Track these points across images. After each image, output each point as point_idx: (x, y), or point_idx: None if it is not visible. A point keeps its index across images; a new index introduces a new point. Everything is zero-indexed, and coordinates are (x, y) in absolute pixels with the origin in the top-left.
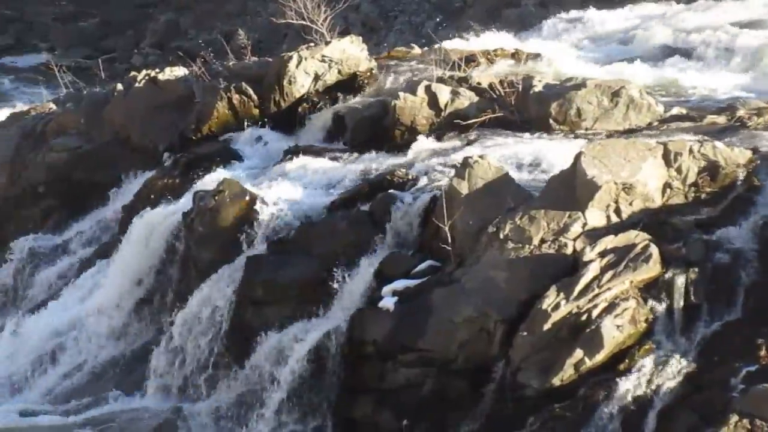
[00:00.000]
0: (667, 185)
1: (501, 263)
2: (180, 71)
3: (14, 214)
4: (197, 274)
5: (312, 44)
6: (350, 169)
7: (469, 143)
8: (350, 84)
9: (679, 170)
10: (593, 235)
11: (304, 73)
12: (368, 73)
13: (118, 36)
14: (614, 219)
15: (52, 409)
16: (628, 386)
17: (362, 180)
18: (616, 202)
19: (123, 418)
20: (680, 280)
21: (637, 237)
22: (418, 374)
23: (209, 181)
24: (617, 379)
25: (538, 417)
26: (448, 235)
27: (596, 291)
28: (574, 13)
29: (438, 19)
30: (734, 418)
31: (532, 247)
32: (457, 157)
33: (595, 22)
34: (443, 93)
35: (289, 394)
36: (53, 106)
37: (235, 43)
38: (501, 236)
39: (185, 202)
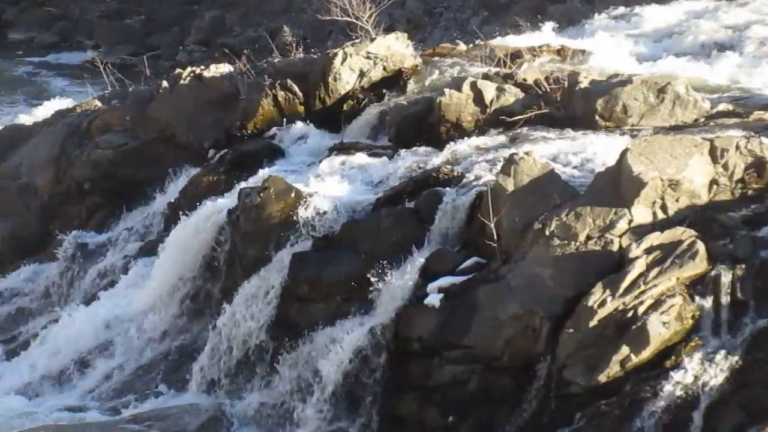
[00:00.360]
0: (713, 181)
1: (547, 260)
2: (225, 68)
3: (60, 212)
4: (242, 270)
5: (357, 41)
6: (395, 165)
7: (515, 140)
8: (395, 81)
9: (725, 166)
10: (639, 232)
11: (349, 70)
12: (413, 70)
13: (163, 33)
14: (660, 215)
15: (98, 406)
16: (674, 383)
17: (407, 177)
18: (663, 198)
19: (168, 414)
20: (727, 277)
21: (683, 234)
22: (463, 371)
23: (254, 178)
24: (663, 376)
25: (584, 414)
26: (494, 231)
27: (642, 288)
28: (619, 10)
29: (483, 16)
30: None
31: (577, 243)
32: (503, 154)
33: (641, 18)
34: (488, 89)
35: (334, 391)
36: (98, 104)
37: (280, 40)
38: (547, 233)
39: (231, 199)
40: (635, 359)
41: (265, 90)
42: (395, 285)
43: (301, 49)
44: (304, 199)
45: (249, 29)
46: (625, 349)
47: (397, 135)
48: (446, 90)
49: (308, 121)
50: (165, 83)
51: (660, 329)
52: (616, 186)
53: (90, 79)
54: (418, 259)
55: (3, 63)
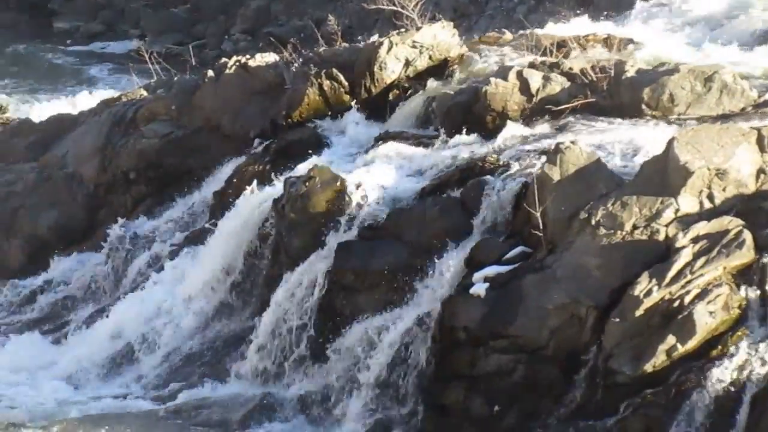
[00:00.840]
0: (761, 171)
1: (593, 250)
2: (270, 57)
3: (106, 201)
4: (288, 260)
5: (403, 30)
6: (441, 155)
7: (561, 129)
8: (441, 70)
9: None
10: (686, 221)
11: (394, 59)
12: (459, 59)
13: (208, 22)
14: (707, 205)
15: (143, 395)
16: (721, 372)
17: (453, 166)
18: (709, 187)
19: (213, 404)
20: None
21: (730, 223)
22: (509, 361)
23: (300, 167)
24: (710, 366)
25: (630, 403)
26: (540, 221)
27: (689, 277)
28: None
29: (529, 4)
30: None
31: (624, 233)
32: (549, 143)
33: (689, 7)
34: (535, 79)
35: (380, 380)
36: (144, 93)
37: (326, 29)
38: (593, 222)
39: (276, 188)
40: (681, 349)
41: (311, 79)
42: (441, 274)
43: (346, 39)
44: (350, 189)
45: (294, 18)
46: (671, 339)
47: (442, 124)
48: (492, 79)
49: (354, 111)
50: (210, 72)
51: (706, 319)
52: (663, 175)
53: (135, 69)
54: (464, 248)
55: (48, 52)
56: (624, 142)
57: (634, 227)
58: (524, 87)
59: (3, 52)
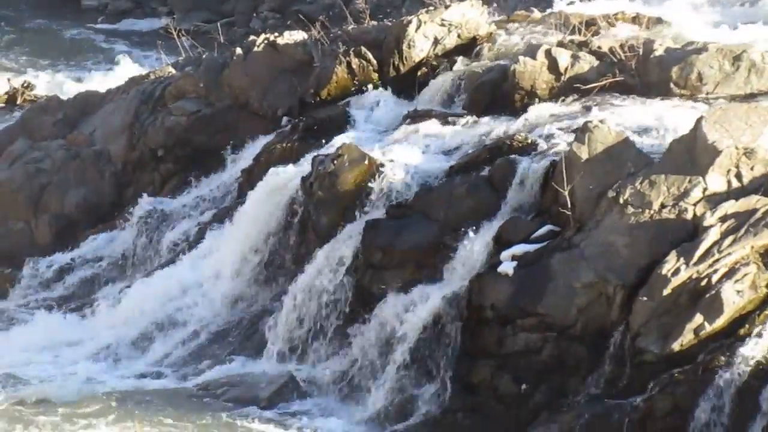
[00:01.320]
0: None
1: (621, 228)
2: (299, 35)
3: (133, 179)
4: (316, 238)
5: (431, 8)
6: (469, 133)
7: (589, 108)
8: (469, 48)
9: None
10: (714, 200)
11: (423, 37)
12: (488, 37)
13: (237, 0)
14: (735, 184)
15: (172, 373)
16: (749, 351)
17: (481, 145)
18: (737, 167)
19: (241, 381)
20: None
21: (758, 202)
22: (537, 339)
23: (328, 145)
24: (737, 345)
25: (657, 382)
26: (568, 200)
27: (716, 256)
28: None
29: None
30: None
31: (652, 212)
32: (577, 122)
33: None
34: (563, 57)
35: (408, 358)
36: (172, 71)
37: (354, 8)
38: (621, 201)
39: (304, 166)
40: (709, 328)
41: (339, 57)
42: (469, 253)
43: (375, 17)
44: (378, 167)
45: None
46: (698, 318)
47: (471, 103)
48: (521, 58)
49: (382, 89)
50: (239, 50)
51: (734, 298)
52: (691, 154)
53: (163, 47)
54: (492, 227)
55: (76, 30)
56: (652, 120)
57: (662, 206)
58: (553, 66)
59: (31, 30)
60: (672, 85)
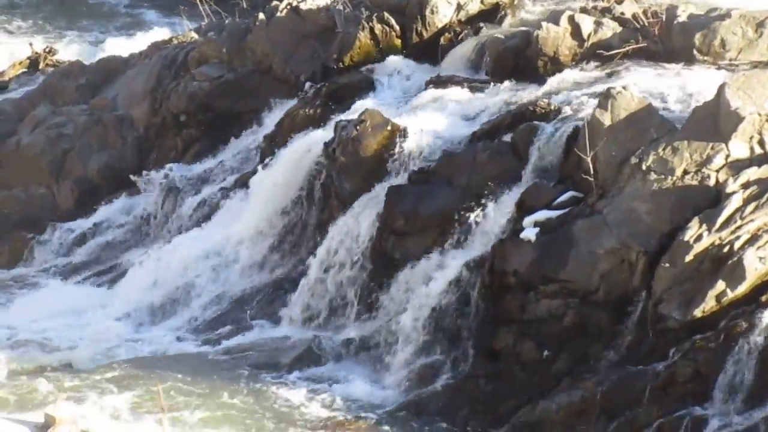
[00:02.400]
0: None
1: (643, 195)
2: (322, 1)
3: (156, 144)
4: (338, 204)
5: None
6: (492, 99)
7: (612, 74)
8: (492, 14)
9: None
10: (736, 167)
11: (446, 3)
12: (510, 3)
13: None
14: (758, 150)
15: (194, 337)
16: None
17: (504, 111)
18: (760, 133)
19: (263, 347)
20: None
21: None
22: (559, 305)
23: (351, 111)
24: (759, 311)
25: (679, 348)
26: (591, 166)
27: (739, 223)
28: None
29: None
30: None
31: (674, 178)
32: (600, 88)
33: None
34: (586, 23)
35: (430, 324)
36: (195, 36)
37: None
38: (643, 167)
39: (327, 132)
40: (731, 294)
41: (362, 23)
42: (491, 219)
43: None
44: (401, 133)
45: None
46: (721, 284)
47: (494, 69)
48: (544, 24)
49: (405, 55)
50: (262, 16)
51: (756, 264)
52: (714, 121)
53: (186, 12)
54: (515, 193)
55: None
56: (675, 87)
57: (685, 172)
58: (576, 32)
59: None
60: (695, 52)
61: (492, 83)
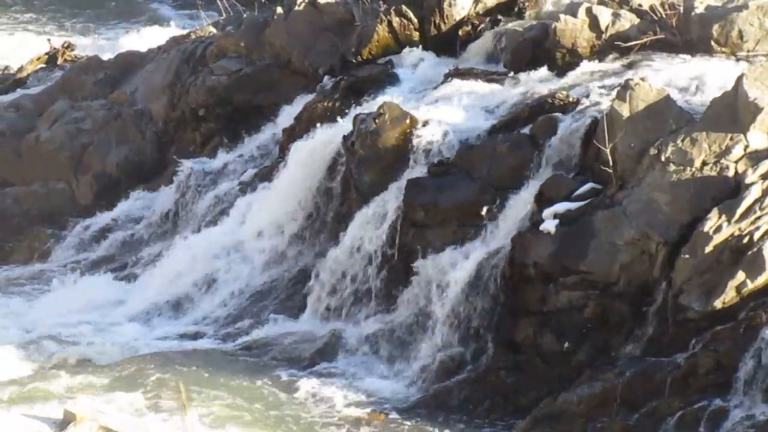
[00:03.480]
0: None
1: (663, 185)
2: None
3: (175, 138)
4: (358, 197)
5: None
6: (511, 91)
7: (630, 65)
8: (510, 6)
9: None
10: (755, 157)
11: None
12: None
13: None
14: None
15: (213, 333)
16: None
17: (523, 103)
18: None
19: (283, 341)
20: None
21: None
22: (579, 297)
23: (370, 104)
24: None
25: (699, 339)
26: (610, 157)
27: (758, 213)
28: None
29: None
30: None
31: (693, 169)
32: (619, 80)
33: None
34: (604, 15)
35: (451, 316)
36: (213, 30)
37: None
38: (663, 158)
39: (346, 125)
40: (751, 285)
41: (380, 16)
42: (511, 211)
43: None
44: (420, 125)
45: None
46: (741, 275)
47: (512, 61)
48: (562, 15)
49: (423, 47)
50: (280, 9)
51: None
52: (732, 111)
53: (204, 6)
54: (534, 185)
55: None
56: (693, 78)
57: (704, 163)
58: (594, 23)
59: None
60: (713, 43)
61: (510, 75)
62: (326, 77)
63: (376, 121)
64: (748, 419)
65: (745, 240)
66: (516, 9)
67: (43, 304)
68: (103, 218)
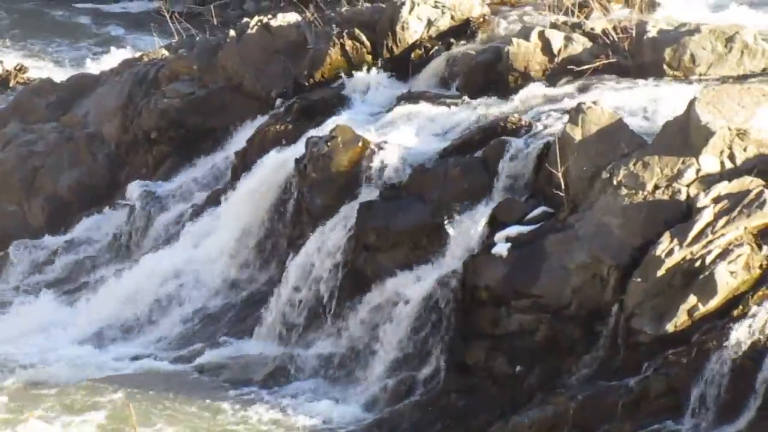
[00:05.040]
0: None
1: (615, 209)
2: (292, 17)
3: (127, 161)
4: (310, 220)
5: None
6: (463, 115)
7: (583, 89)
8: (463, 30)
9: None
10: (707, 181)
11: (417, 19)
12: (481, 19)
13: None
14: (728, 165)
15: (165, 355)
16: (742, 333)
17: (475, 126)
18: (731, 147)
19: (235, 364)
20: None
21: (751, 183)
22: (531, 320)
23: (322, 127)
24: (731, 326)
25: (651, 363)
26: (562, 181)
27: (710, 237)
28: None
29: None
30: None
31: (645, 193)
32: (571, 103)
33: None
34: (557, 39)
35: (402, 340)
36: (165, 53)
37: None
38: (615, 182)
39: (298, 148)
40: (703, 308)
41: (333, 39)
42: (463, 234)
43: None
44: (372, 149)
45: None
46: (692, 299)
47: (465, 84)
48: (514, 39)
49: (376, 70)
50: (232, 32)
51: (728, 278)
52: (684, 135)
53: (156, 29)
54: (486, 208)
55: (69, 12)
56: (645, 102)
57: (656, 187)
58: (546, 47)
59: (23, 11)
60: (665, 67)
61: (463, 99)
62: (279, 100)
63: (329, 144)
64: None
65: (697, 264)
66: (468, 32)
67: None
68: (55, 240)
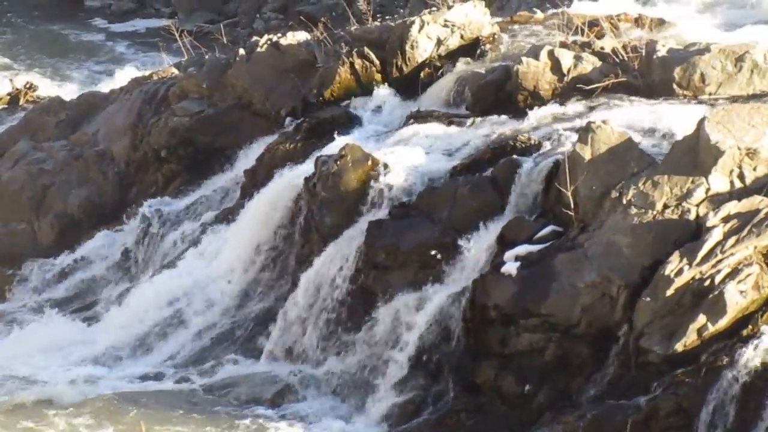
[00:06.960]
0: None
1: (624, 228)
2: (302, 36)
3: (137, 179)
4: (319, 238)
5: (434, 9)
6: (472, 134)
7: (592, 108)
8: (472, 49)
9: None
10: (717, 201)
11: (426, 38)
12: (491, 38)
13: (240, 1)
14: (738, 184)
15: (174, 374)
16: (752, 352)
17: (485, 145)
18: (740, 167)
19: (245, 382)
20: None
21: (761, 202)
22: (540, 339)
23: (331, 146)
24: (740, 345)
25: (660, 382)
26: (571, 200)
27: (719, 257)
28: None
29: None
30: None
31: (655, 212)
32: (580, 123)
33: None
34: (566, 58)
35: (412, 359)
36: (175, 71)
37: (357, 8)
38: (624, 201)
39: (308, 167)
40: (712, 328)
41: (342, 58)
42: (472, 253)
43: (377, 17)
44: (381, 167)
45: None
46: (702, 318)
47: (474, 103)
48: (524, 58)
49: (385, 89)
50: (242, 51)
51: (737, 298)
52: (694, 155)
53: (166, 48)
54: (495, 227)
55: (78, 30)
56: (655, 121)
57: (665, 206)
58: (556, 66)
59: (33, 30)
60: (675, 86)
61: (472, 118)
62: (288, 119)
63: (338, 162)
64: None
65: (707, 283)
66: (478, 51)
67: (5, 344)
68: (65, 259)
